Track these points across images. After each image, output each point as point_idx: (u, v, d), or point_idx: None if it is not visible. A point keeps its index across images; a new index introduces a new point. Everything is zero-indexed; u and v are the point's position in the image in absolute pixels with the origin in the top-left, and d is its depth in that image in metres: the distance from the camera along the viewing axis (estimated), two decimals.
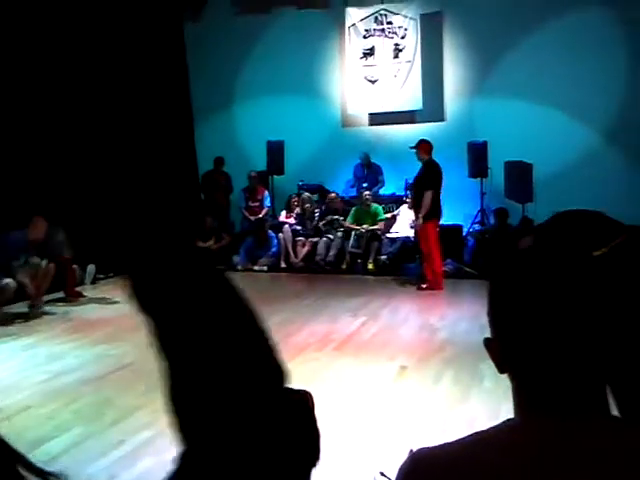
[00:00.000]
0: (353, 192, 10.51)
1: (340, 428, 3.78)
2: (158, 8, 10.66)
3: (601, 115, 9.63)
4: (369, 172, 10.57)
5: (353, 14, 10.93)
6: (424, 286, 8.02)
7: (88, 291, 8.31)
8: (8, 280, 6.72)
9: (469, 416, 3.85)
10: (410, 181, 10.28)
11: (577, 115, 9.74)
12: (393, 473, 0.94)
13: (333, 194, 10.18)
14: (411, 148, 8.19)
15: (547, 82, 9.82)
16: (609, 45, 9.53)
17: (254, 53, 11.39)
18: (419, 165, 10.17)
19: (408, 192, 10.21)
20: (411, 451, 0.94)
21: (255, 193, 10.57)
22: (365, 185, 10.39)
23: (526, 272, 0.89)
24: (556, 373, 0.85)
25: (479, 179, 9.81)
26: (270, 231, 9.93)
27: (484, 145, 9.70)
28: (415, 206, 8.17)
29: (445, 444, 0.90)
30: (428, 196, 7.85)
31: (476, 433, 0.90)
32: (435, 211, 8.05)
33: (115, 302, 7.69)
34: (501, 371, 0.92)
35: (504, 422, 0.91)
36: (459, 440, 0.90)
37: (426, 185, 7.89)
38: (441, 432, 3.61)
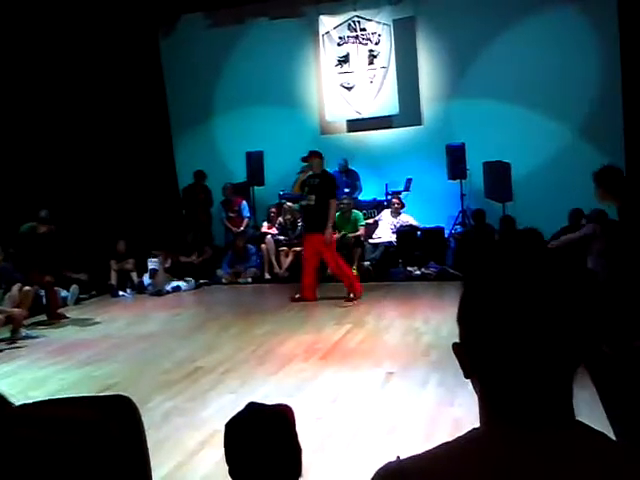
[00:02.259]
0: None
1: (329, 437, 3.77)
2: (132, 24, 10.65)
3: (575, 112, 9.73)
4: (347, 178, 10.58)
5: (326, 22, 10.97)
6: (297, 296, 7.89)
7: (74, 311, 8.25)
8: None
9: (455, 419, 3.85)
10: (390, 186, 10.36)
11: (552, 113, 9.83)
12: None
13: None
14: (303, 160, 8.02)
15: (521, 82, 9.91)
16: (581, 43, 9.63)
17: (229, 65, 11.40)
18: (399, 170, 10.28)
19: (390, 197, 10.25)
20: (398, 457, 0.93)
21: (232, 204, 10.57)
22: (347, 191, 10.41)
23: (498, 278, 0.88)
24: (522, 382, 0.84)
25: (458, 181, 9.86)
26: (249, 245, 9.90)
27: (462, 147, 9.76)
28: (316, 215, 7.84)
29: (413, 457, 0.90)
30: (334, 205, 7.84)
31: (444, 444, 0.90)
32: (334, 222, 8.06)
33: (97, 323, 7.65)
34: (467, 376, 0.91)
35: (469, 432, 0.90)
36: (427, 452, 0.89)
37: (330, 194, 7.78)
38: (428, 436, 3.61)
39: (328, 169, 10.51)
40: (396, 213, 9.77)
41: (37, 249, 7.73)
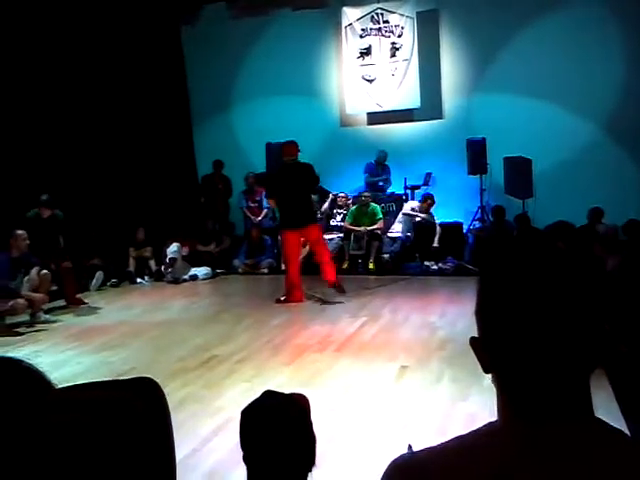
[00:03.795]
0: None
1: (342, 429, 3.78)
2: (155, 13, 10.69)
3: (599, 108, 9.61)
4: (382, 172, 10.50)
5: (349, 14, 10.92)
6: (282, 298, 7.51)
7: (92, 297, 8.33)
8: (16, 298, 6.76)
9: (469, 414, 3.84)
10: (409, 180, 10.31)
11: (575, 109, 9.72)
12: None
13: (342, 194, 10.17)
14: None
15: (544, 77, 9.80)
16: (605, 39, 9.50)
17: (251, 55, 11.40)
18: (419, 164, 10.24)
19: (408, 192, 10.21)
20: (409, 446, 0.94)
21: (254, 195, 10.62)
22: (381, 184, 10.39)
23: (516, 272, 0.88)
24: (540, 377, 0.84)
25: (478, 176, 9.78)
26: (265, 236, 9.91)
27: (483, 142, 9.68)
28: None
29: (428, 448, 0.90)
30: (271, 204, 7.44)
31: (459, 436, 0.90)
32: (285, 219, 7.48)
33: (115, 309, 7.73)
34: (486, 371, 0.91)
35: (486, 425, 0.90)
36: (442, 444, 0.90)
37: (267, 193, 7.41)
38: (441, 431, 3.61)
39: (348, 162, 10.54)
40: (426, 212, 9.55)
41: (44, 234, 7.69)
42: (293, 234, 7.44)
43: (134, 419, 0.72)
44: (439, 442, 0.90)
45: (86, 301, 7.99)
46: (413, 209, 9.60)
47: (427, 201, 9.54)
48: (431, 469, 0.86)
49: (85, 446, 0.69)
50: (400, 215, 9.78)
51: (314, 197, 10.26)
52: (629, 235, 5.43)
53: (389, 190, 10.52)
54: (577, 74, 9.65)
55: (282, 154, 7.51)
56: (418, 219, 9.52)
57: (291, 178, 7.33)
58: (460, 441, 0.88)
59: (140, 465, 0.72)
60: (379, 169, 10.48)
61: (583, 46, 9.59)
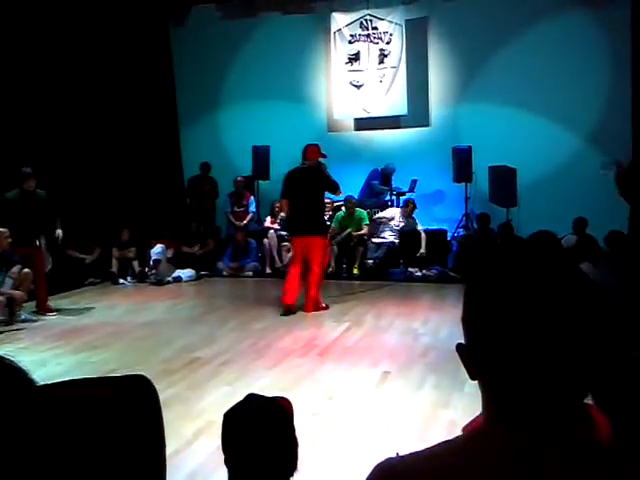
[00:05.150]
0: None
1: (324, 433, 3.78)
2: (144, 13, 10.65)
3: (584, 120, 9.72)
4: (382, 183, 10.44)
5: (338, 19, 10.96)
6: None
7: (74, 297, 8.26)
8: None
9: (450, 421, 3.86)
10: (397, 187, 10.35)
11: (560, 120, 9.82)
12: None
13: (327, 199, 10.15)
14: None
15: (531, 87, 9.90)
16: (592, 50, 9.62)
17: (239, 58, 11.39)
18: (405, 171, 10.28)
19: (393, 197, 10.23)
20: (397, 454, 0.94)
21: (241, 198, 10.57)
22: (381, 196, 10.39)
23: (504, 280, 0.87)
24: (527, 385, 0.83)
25: (464, 184, 9.85)
26: (250, 239, 9.89)
27: (468, 150, 9.75)
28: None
29: (413, 453, 0.90)
30: (281, 204, 7.34)
31: (444, 442, 0.90)
32: (289, 225, 7.55)
33: (97, 309, 7.65)
34: (472, 377, 0.91)
35: (471, 431, 0.91)
36: (427, 449, 0.89)
37: (280, 193, 7.31)
38: (422, 437, 3.62)
39: (334, 167, 10.53)
40: (408, 216, 9.59)
41: (31, 210, 7.16)
42: (296, 241, 7.30)
43: (125, 416, 0.72)
44: (420, 448, 0.90)
45: (55, 313, 7.46)
46: (393, 217, 9.65)
47: (409, 206, 9.61)
48: (416, 473, 0.86)
49: (72, 443, 0.68)
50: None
51: None
52: (611, 246, 5.50)
53: (366, 194, 10.54)
54: (562, 85, 9.76)
55: (303, 156, 7.24)
56: (402, 224, 9.55)
57: (300, 183, 7.03)
58: (446, 446, 0.88)
59: (131, 461, 0.72)
60: (383, 180, 10.47)
61: (569, 57, 9.70)
